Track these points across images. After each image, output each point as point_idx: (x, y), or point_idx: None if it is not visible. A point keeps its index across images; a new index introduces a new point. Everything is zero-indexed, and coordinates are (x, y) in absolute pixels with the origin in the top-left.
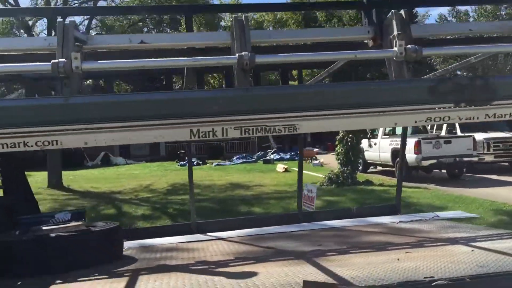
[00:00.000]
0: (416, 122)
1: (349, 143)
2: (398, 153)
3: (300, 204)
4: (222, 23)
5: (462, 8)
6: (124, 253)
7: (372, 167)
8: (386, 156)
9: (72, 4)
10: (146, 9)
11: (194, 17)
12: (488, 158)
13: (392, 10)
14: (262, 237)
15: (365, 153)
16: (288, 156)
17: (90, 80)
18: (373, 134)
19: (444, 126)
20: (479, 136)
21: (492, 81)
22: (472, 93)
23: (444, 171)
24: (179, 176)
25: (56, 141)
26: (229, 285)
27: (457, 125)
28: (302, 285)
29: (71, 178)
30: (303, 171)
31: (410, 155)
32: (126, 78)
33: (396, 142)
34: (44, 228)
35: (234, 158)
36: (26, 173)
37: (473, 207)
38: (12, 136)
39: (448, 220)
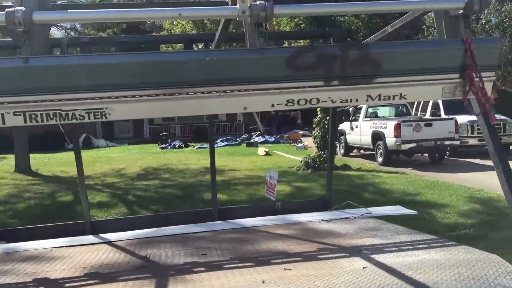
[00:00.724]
0: (273, 105)
1: (327, 126)
2: (379, 136)
3: (214, 204)
4: None
5: None
6: None
7: (355, 150)
8: (367, 139)
9: None
10: None
11: None
12: (472, 142)
13: None
14: (151, 241)
15: (347, 136)
16: (273, 139)
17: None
18: (355, 116)
19: (429, 107)
20: (463, 118)
21: (374, 51)
22: (346, 67)
23: (426, 155)
24: (155, 160)
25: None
26: None
27: (441, 106)
28: None
29: (46, 161)
30: (285, 154)
31: (390, 139)
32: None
33: (376, 125)
34: None
35: (218, 141)
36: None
37: (446, 194)
38: None
39: (377, 219)
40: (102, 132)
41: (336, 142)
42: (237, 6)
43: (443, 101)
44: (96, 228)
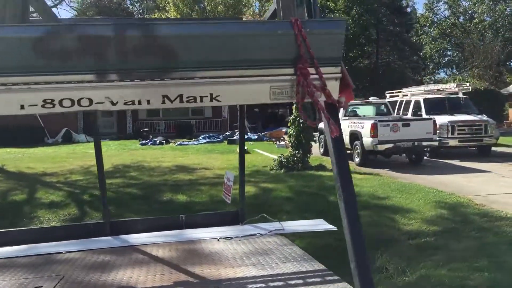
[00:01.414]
0: (23, 107)
1: (301, 124)
2: (356, 136)
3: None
4: None
5: None
6: None
7: None
8: (345, 139)
9: None
10: None
11: None
12: (452, 143)
13: None
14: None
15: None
16: (256, 137)
17: None
18: None
19: (411, 106)
20: (444, 119)
21: (167, 34)
22: (126, 56)
23: (404, 155)
24: (131, 157)
25: None
26: None
27: (422, 106)
28: None
29: (19, 156)
30: (264, 153)
31: (367, 139)
32: None
33: (354, 124)
34: None
35: (200, 138)
36: None
37: (415, 198)
38: None
39: (284, 237)
40: (83, 126)
41: (312, 142)
42: None
43: (424, 100)
44: None
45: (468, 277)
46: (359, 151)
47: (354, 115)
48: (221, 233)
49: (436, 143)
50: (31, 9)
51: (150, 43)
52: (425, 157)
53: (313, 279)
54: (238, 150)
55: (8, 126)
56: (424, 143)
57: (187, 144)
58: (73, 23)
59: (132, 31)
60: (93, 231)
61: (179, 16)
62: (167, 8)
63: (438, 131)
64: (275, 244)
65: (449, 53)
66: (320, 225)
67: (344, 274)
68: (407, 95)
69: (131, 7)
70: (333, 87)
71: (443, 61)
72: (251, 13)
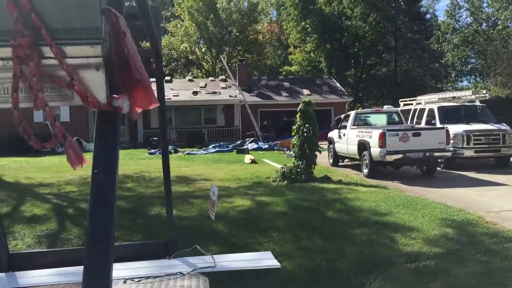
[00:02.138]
0: None
1: (305, 134)
2: (364, 146)
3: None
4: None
5: None
6: None
7: (347, 160)
8: (353, 148)
9: None
10: None
11: None
12: (468, 153)
13: None
14: None
15: (336, 144)
16: (267, 146)
17: None
18: (344, 123)
19: (424, 115)
20: (459, 128)
21: None
22: None
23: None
24: (135, 167)
25: None
26: None
27: (436, 114)
28: None
29: (24, 165)
30: (272, 163)
31: (375, 149)
32: None
33: (362, 134)
34: None
35: (210, 147)
36: None
37: (419, 214)
38: None
39: (205, 280)
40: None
41: (317, 152)
42: None
43: (438, 109)
44: None
45: None
46: (367, 161)
47: (364, 124)
48: (135, 270)
49: (449, 154)
50: None
51: None
52: (439, 168)
53: None
54: (245, 160)
55: (18, 134)
56: (436, 154)
57: (195, 154)
58: None
59: None
60: None
61: (193, 25)
62: (181, 17)
63: (452, 141)
64: None
65: (472, 60)
66: (263, 259)
67: None
68: (421, 103)
69: None
70: (93, 80)
71: (466, 69)
72: (268, 21)
